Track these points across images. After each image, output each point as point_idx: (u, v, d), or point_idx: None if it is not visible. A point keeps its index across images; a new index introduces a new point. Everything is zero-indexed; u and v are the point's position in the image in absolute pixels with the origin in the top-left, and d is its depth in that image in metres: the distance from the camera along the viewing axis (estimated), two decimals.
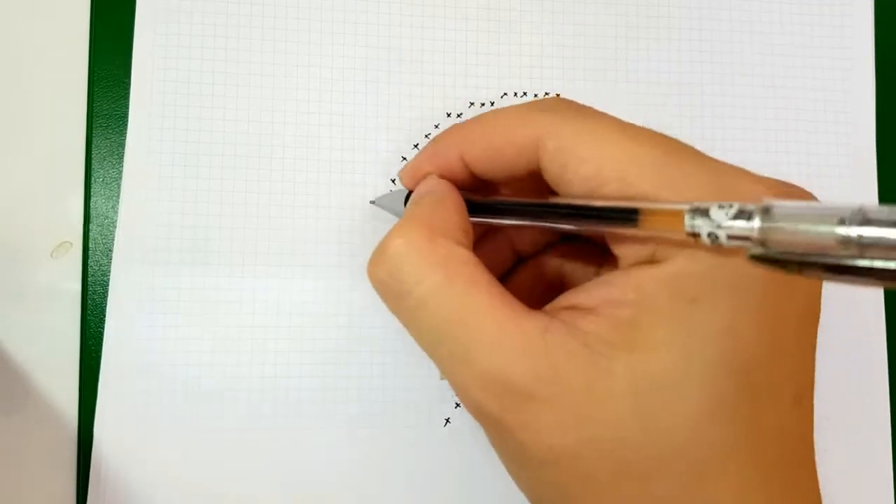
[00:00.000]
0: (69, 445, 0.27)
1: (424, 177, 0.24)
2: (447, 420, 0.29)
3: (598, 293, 0.19)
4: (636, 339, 0.17)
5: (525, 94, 0.31)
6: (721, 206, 0.16)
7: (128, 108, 0.28)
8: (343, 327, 0.29)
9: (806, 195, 0.19)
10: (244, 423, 0.28)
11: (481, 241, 0.25)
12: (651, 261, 0.18)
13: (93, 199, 0.28)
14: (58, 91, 0.29)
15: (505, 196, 0.24)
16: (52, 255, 0.28)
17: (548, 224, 0.21)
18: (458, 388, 0.19)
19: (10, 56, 0.29)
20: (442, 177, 0.23)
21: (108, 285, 0.28)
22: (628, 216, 0.18)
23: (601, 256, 0.24)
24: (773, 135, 0.32)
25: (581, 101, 0.30)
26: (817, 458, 0.20)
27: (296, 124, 0.29)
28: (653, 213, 0.17)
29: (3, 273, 0.28)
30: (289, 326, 0.28)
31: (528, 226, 0.24)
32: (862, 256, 0.13)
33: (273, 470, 0.28)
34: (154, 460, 0.27)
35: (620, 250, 0.19)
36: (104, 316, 0.27)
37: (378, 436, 0.28)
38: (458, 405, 0.29)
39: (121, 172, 0.28)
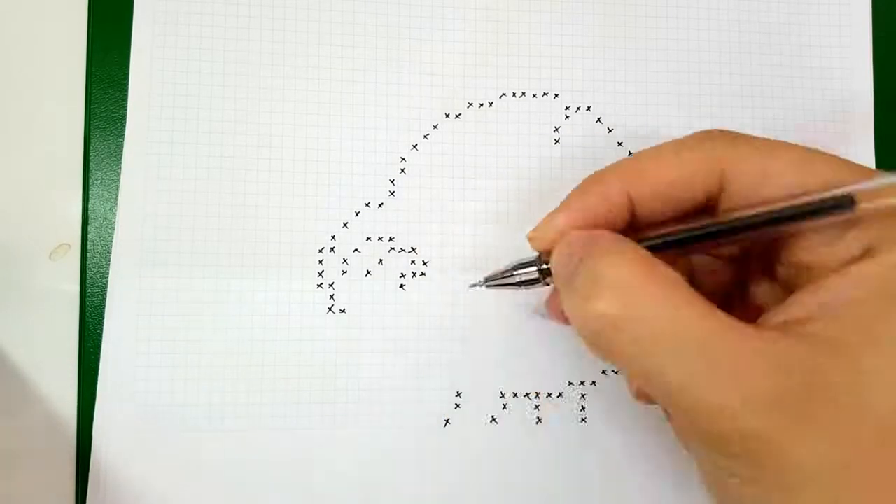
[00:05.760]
0: (68, 447, 0.27)
1: (559, 236, 0.22)
2: (447, 420, 0.29)
3: (812, 301, 0.19)
4: (878, 332, 0.18)
5: (524, 93, 0.31)
6: None
7: (126, 109, 0.28)
8: (342, 328, 0.29)
9: None
10: (243, 424, 0.28)
11: None
12: (867, 254, 0.19)
13: (91, 200, 0.28)
14: (56, 93, 0.29)
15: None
16: (50, 257, 0.28)
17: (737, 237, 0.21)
18: (712, 414, 0.18)
19: (9, 58, 0.29)
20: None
21: (106, 287, 0.28)
22: (843, 202, 0.18)
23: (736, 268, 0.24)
24: (772, 134, 0.32)
25: (581, 101, 0.31)
26: None
27: (294, 125, 0.29)
28: (874, 190, 0.18)
29: (1, 275, 0.28)
30: (287, 327, 0.28)
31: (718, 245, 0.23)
32: None
33: (272, 470, 0.28)
34: (153, 461, 0.27)
35: (819, 255, 0.20)
36: (103, 317, 0.27)
37: (378, 436, 0.28)
38: (457, 406, 0.29)
39: (119, 174, 0.28)
